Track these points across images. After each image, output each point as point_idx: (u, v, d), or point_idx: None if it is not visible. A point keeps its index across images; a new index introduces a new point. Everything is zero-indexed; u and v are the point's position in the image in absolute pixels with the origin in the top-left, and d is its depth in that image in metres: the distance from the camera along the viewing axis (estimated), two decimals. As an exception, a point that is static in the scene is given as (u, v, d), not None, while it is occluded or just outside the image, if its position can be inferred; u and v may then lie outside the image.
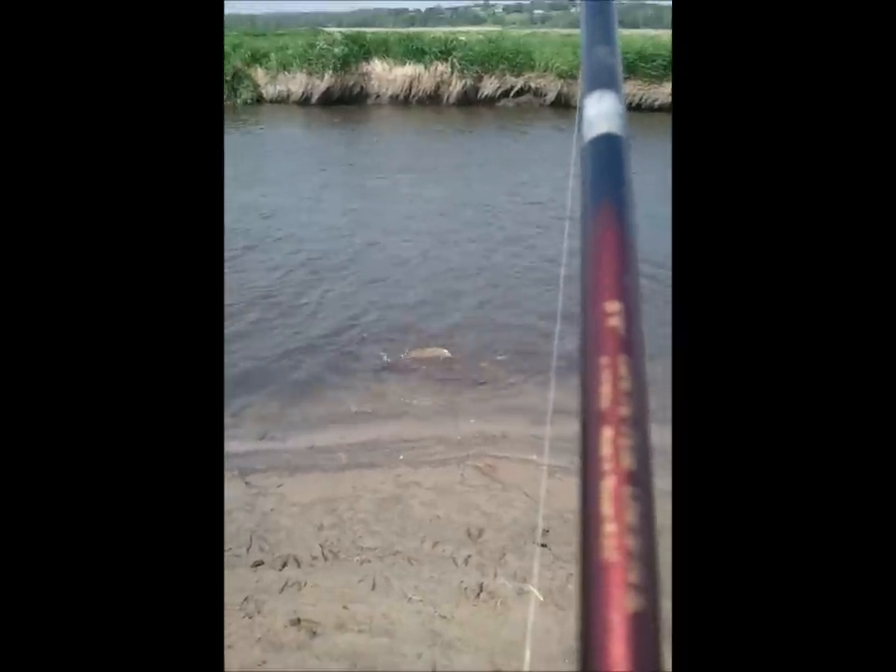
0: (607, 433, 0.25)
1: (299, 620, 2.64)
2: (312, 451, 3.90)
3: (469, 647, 2.55)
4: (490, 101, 17.22)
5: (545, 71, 17.10)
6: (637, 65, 16.56)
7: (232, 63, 17.27)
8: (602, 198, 0.33)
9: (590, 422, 0.26)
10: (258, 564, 2.96)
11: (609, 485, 0.24)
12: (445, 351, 4.97)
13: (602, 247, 0.31)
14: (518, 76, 17.23)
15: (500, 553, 3.01)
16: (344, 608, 2.72)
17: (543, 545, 3.00)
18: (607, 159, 0.36)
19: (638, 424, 0.26)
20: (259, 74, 17.64)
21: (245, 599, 2.74)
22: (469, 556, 3.01)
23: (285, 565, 2.97)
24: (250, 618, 2.65)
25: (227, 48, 17.44)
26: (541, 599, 2.82)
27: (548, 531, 3.04)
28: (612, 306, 0.28)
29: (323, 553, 3.04)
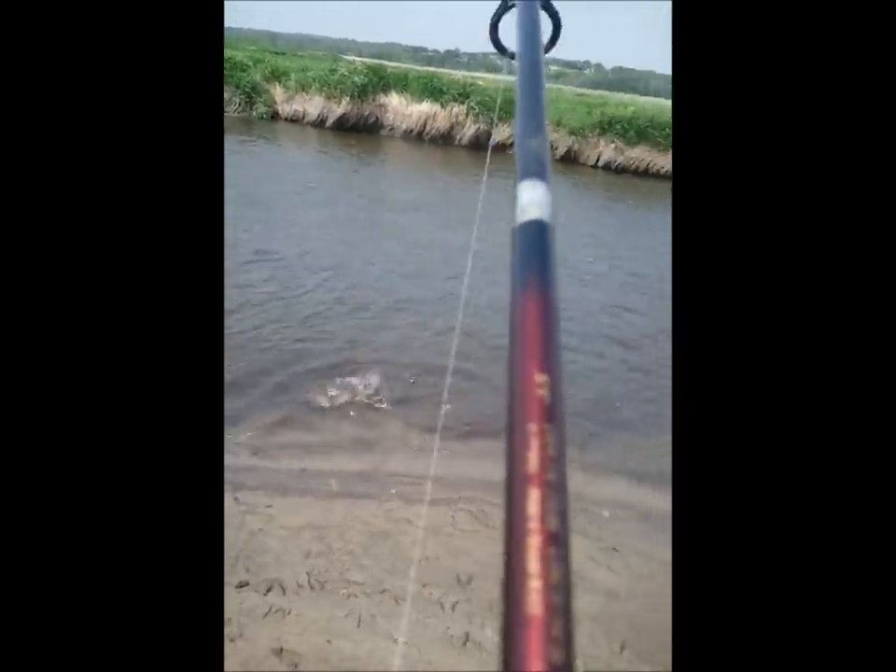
0: (534, 494, 0.27)
1: (281, 650, 2.56)
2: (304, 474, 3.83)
3: (453, 697, 2.49)
4: (502, 147, 17.48)
5: (558, 126, 17.42)
6: (647, 132, 16.97)
7: (252, 76, 17.42)
8: (529, 277, 0.36)
9: (518, 482, 0.27)
10: (242, 585, 2.88)
11: (534, 544, 0.25)
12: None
13: (528, 323, 0.33)
14: (531, 127, 17.48)
15: (488, 603, 2.96)
16: (328, 641, 2.65)
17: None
18: (536, 242, 0.39)
19: (561, 489, 0.27)
20: (278, 91, 17.80)
21: (227, 621, 2.66)
22: (457, 603, 2.96)
23: (269, 589, 2.90)
24: (232, 641, 2.57)
25: (248, 62, 17.64)
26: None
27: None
28: (540, 378, 0.30)
29: (309, 582, 2.96)
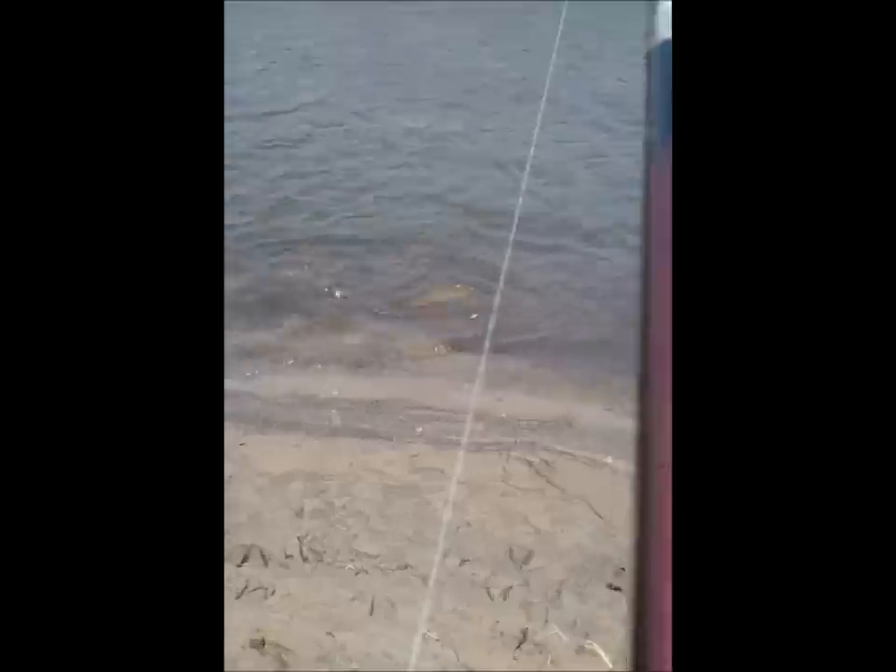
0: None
1: (263, 641, 1.74)
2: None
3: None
4: None
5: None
6: None
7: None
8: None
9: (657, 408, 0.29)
10: (207, 550, 2.06)
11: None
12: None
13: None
14: None
15: (555, 590, 2.13)
16: (329, 634, 1.83)
17: (616, 588, 2.14)
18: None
19: None
20: None
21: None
22: (510, 588, 2.13)
23: (245, 559, 2.07)
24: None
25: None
26: (609, 666, 1.96)
27: (623, 569, 2.18)
28: None
29: (301, 552, 2.13)
